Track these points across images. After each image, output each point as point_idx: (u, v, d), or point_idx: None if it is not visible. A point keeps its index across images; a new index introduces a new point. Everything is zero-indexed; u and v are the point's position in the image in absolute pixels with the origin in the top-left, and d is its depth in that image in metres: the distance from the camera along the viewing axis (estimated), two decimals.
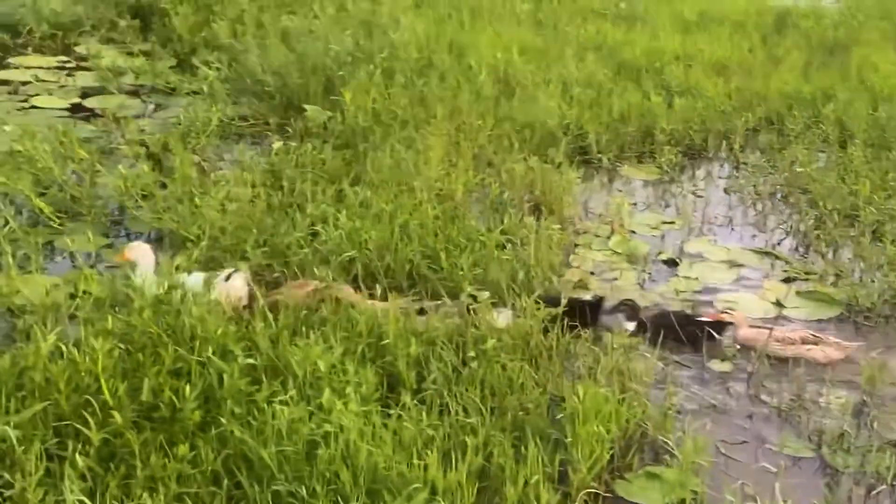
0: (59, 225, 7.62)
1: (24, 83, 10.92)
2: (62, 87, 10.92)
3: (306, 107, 9.77)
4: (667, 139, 9.90)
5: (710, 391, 6.11)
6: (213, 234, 7.10)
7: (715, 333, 6.54)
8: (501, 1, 14.22)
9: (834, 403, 5.98)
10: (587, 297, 6.66)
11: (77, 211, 7.84)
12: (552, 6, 14.52)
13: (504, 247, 7.21)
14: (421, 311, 6.23)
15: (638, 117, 10.15)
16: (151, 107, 10.48)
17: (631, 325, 6.51)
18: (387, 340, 5.67)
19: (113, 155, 8.92)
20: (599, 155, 9.63)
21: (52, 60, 11.85)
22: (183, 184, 7.75)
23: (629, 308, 6.63)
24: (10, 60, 11.72)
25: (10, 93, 10.63)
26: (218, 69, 10.93)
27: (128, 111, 10.08)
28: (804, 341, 6.48)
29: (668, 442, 5.42)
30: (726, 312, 6.66)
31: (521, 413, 5.34)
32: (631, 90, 10.73)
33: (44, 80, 11.07)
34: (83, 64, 11.64)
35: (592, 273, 7.46)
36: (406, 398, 5.20)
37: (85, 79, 11.20)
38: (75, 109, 10.23)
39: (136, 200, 7.80)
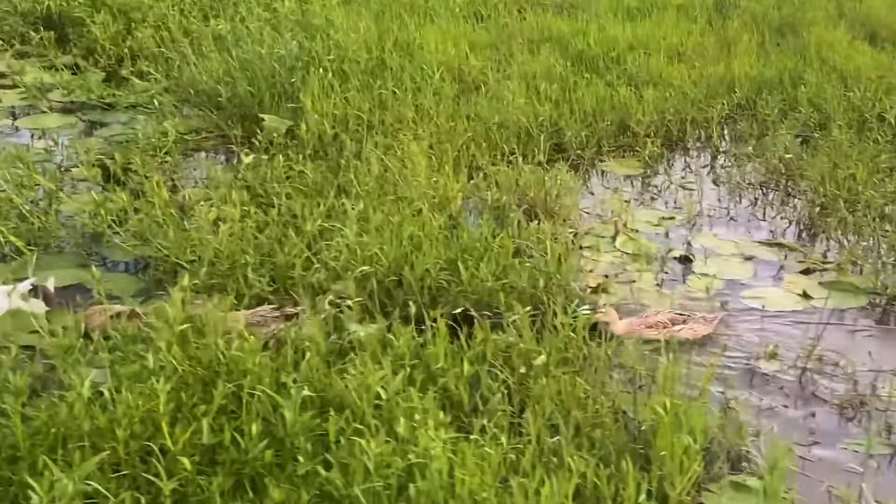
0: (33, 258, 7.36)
1: None
2: None
3: (264, 116, 9.59)
4: (643, 131, 10.00)
5: (764, 392, 6.18)
6: (208, 258, 6.94)
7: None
8: None
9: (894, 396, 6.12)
10: None
11: (46, 242, 7.59)
12: None
13: (519, 254, 7.20)
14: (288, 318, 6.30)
15: (610, 110, 10.22)
16: (86, 125, 10.19)
17: None
18: (439, 364, 5.61)
19: (66, 179, 8.66)
20: (579, 152, 9.67)
21: None
22: (165, 206, 7.55)
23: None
24: None
25: None
26: (156, 80, 10.71)
27: (67, 131, 9.80)
28: (674, 322, 6.69)
29: (748, 449, 5.47)
30: (599, 311, 6.71)
31: (596, 429, 5.33)
32: (595, 83, 10.80)
33: None
34: (3, 82, 11.25)
35: (606, 276, 7.48)
36: (480, 420, 5.15)
37: (9, 98, 10.83)
38: (8, 132, 9.88)
39: (110, 226, 7.59)
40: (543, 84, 10.46)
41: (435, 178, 8.19)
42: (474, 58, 11.24)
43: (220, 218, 7.35)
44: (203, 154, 9.52)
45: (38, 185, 8.14)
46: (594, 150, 9.77)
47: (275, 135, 9.20)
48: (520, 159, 8.76)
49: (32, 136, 9.71)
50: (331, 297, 6.33)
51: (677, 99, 10.60)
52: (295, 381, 5.24)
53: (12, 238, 7.37)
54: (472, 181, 8.44)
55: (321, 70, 10.16)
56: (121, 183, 8.41)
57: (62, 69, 11.45)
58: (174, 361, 5.28)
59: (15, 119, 10.26)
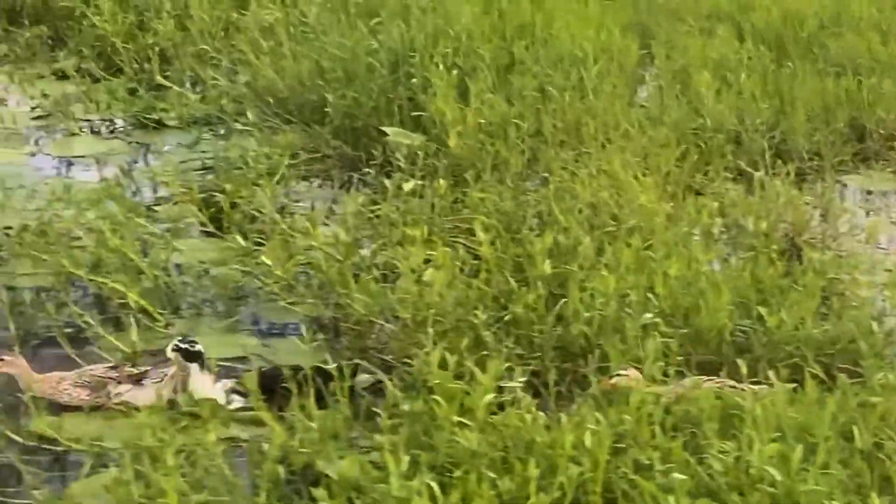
0: (166, 326, 7.61)
1: None
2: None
3: (387, 130, 9.89)
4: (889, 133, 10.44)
5: None
6: (422, 315, 7.21)
7: None
8: None
9: None
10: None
11: (176, 303, 7.86)
12: None
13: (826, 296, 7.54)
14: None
15: (836, 107, 10.63)
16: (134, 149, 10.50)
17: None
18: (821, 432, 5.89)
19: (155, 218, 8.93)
20: (812, 162, 10.07)
21: None
22: (349, 254, 7.81)
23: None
24: None
25: None
26: (215, 87, 11.04)
27: (118, 158, 10.08)
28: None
29: None
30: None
31: None
32: (800, 72, 11.20)
33: None
34: None
35: None
36: None
37: (10, 117, 11.04)
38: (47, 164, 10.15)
39: (265, 280, 7.86)
40: (742, 75, 10.86)
41: (671, 203, 8.50)
42: (629, 42, 11.61)
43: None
44: (323, 181, 9.84)
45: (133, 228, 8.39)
46: (837, 160, 10.17)
47: (419, 153, 9.47)
48: (761, 174, 9.07)
49: (89, 168, 9.99)
50: None
51: None
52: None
53: (143, 301, 7.60)
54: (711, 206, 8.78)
55: (439, 67, 10.44)
56: (234, 223, 8.65)
57: (73, 76, 11.72)
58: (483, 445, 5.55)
59: (38, 145, 10.51)
